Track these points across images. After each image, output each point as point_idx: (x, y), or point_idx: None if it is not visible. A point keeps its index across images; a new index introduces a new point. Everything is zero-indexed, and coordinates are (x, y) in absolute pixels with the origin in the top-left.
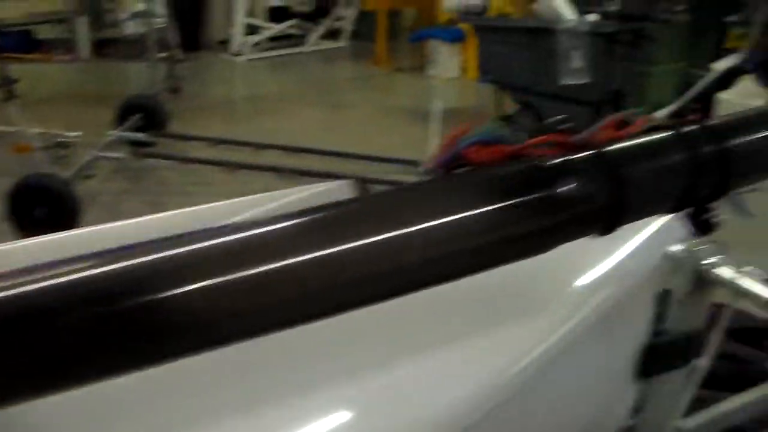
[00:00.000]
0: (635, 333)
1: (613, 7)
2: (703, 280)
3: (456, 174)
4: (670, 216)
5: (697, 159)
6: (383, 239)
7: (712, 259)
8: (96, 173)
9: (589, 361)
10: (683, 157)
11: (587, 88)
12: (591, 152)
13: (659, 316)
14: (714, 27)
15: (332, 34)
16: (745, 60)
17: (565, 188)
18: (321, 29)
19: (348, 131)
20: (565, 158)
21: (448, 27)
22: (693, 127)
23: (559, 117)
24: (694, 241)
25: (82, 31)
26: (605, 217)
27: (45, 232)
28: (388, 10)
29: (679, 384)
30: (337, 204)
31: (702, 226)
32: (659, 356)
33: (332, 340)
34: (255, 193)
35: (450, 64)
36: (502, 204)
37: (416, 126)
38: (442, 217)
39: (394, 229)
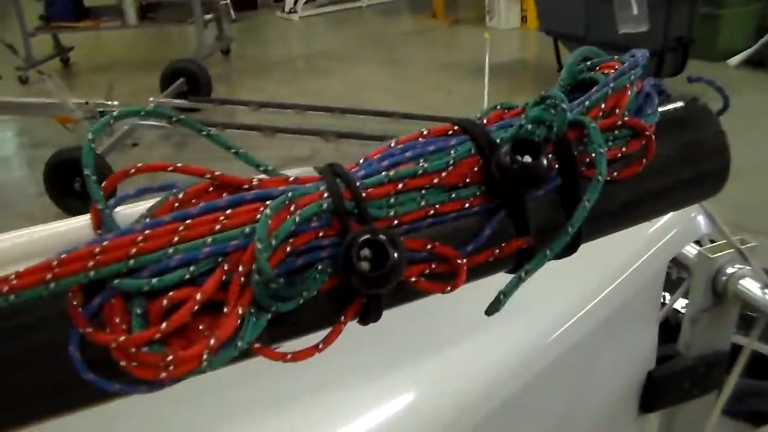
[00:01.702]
0: (636, 357)
1: None
2: (724, 294)
3: None
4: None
5: None
6: None
7: (733, 269)
8: (139, 142)
9: (575, 389)
10: None
11: (648, 36)
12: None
13: (668, 337)
14: None
15: None
16: None
17: None
18: None
19: (404, 89)
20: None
21: None
22: None
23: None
24: (711, 245)
25: None
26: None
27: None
28: None
29: (698, 415)
30: None
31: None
32: (668, 387)
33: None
34: (299, 156)
35: (510, 14)
36: None
37: (473, 82)
38: None
39: None
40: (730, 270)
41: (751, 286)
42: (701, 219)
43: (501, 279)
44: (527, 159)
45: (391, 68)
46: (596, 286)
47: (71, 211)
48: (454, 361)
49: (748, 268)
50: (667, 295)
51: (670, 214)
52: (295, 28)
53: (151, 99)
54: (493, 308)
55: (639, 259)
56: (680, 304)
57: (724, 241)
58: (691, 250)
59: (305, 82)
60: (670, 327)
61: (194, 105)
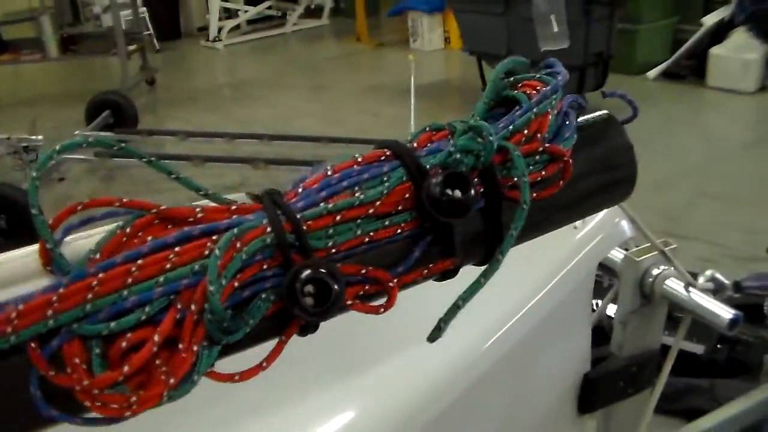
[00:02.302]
0: (571, 360)
1: None
2: (651, 295)
3: None
4: (602, 214)
5: None
6: None
7: (659, 270)
8: (65, 176)
9: (513, 395)
10: None
11: (568, 52)
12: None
13: (601, 339)
14: None
15: (312, 12)
16: (735, 12)
17: None
18: (300, 8)
19: (332, 114)
20: None
21: None
22: None
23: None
24: (637, 249)
25: (48, 29)
26: None
27: (6, 243)
28: None
29: (634, 412)
30: None
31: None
32: (603, 387)
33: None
34: (229, 185)
35: (433, 36)
36: None
37: (400, 103)
38: None
39: None
40: (655, 271)
41: (676, 285)
42: (625, 224)
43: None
44: (457, 193)
45: (318, 93)
46: (528, 292)
47: None
48: (392, 372)
49: (672, 269)
50: (599, 302)
51: (596, 221)
52: (220, 56)
53: (76, 132)
54: (434, 335)
55: (568, 264)
56: (611, 310)
57: (649, 244)
58: (618, 254)
59: (232, 110)
60: (603, 332)
61: (121, 137)
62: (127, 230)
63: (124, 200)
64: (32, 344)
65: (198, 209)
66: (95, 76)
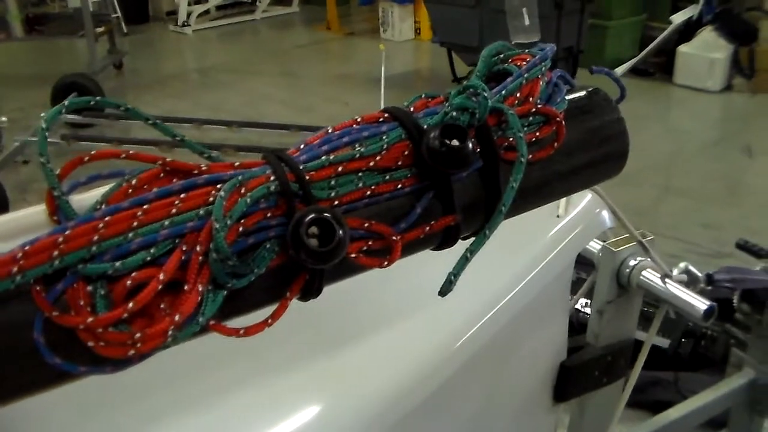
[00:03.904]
0: (549, 349)
1: None
2: (628, 285)
3: None
4: (584, 204)
5: None
6: None
7: (636, 261)
8: (30, 159)
9: (491, 384)
10: None
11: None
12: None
13: (577, 326)
14: None
15: (282, 0)
16: (703, 11)
17: None
18: None
19: (302, 101)
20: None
21: None
22: None
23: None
24: (614, 239)
25: (13, 8)
26: None
27: None
28: None
29: (608, 402)
30: None
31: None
32: (579, 376)
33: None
34: None
35: (403, 26)
36: None
37: (370, 92)
38: None
39: None
40: (632, 262)
41: (652, 277)
42: (606, 214)
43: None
44: (455, 142)
45: (288, 80)
46: (509, 281)
47: None
48: (371, 359)
49: (648, 260)
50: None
51: (577, 210)
52: (189, 41)
53: (42, 114)
54: (445, 288)
55: (549, 254)
56: (580, 303)
57: (626, 235)
58: (595, 245)
59: (201, 95)
60: (572, 326)
61: (88, 120)
62: (133, 182)
63: (131, 152)
64: (37, 287)
65: (203, 164)
66: (61, 58)
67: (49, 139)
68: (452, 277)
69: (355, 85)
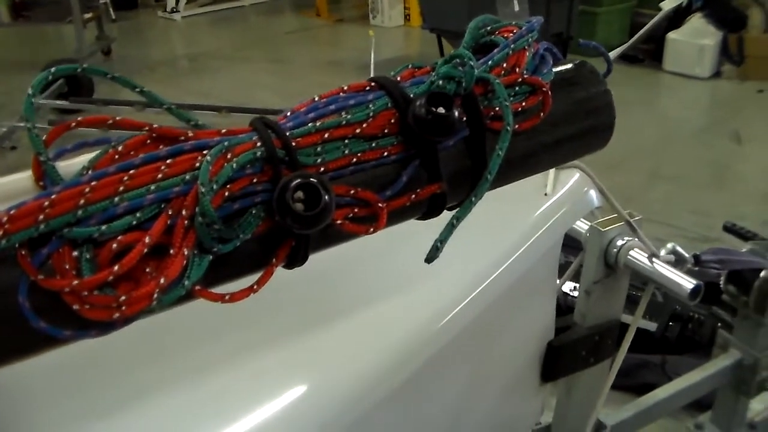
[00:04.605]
0: (536, 328)
1: None
2: (615, 265)
3: None
4: (571, 183)
5: None
6: None
7: (623, 240)
8: (18, 145)
9: (478, 363)
10: None
11: None
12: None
13: (564, 309)
14: None
15: None
16: None
17: None
18: None
19: (291, 88)
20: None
21: None
22: None
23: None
24: (602, 219)
25: None
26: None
27: None
28: None
29: (594, 382)
30: None
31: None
32: (566, 356)
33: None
34: None
35: (393, 12)
36: None
37: (360, 79)
38: None
39: None
40: (620, 242)
41: (639, 256)
42: (593, 193)
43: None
44: (441, 110)
45: (277, 67)
46: (496, 259)
47: None
48: (354, 339)
49: (636, 240)
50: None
51: (565, 188)
52: (178, 28)
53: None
54: (432, 255)
55: (537, 232)
56: (567, 287)
57: (614, 215)
58: (583, 225)
59: (190, 82)
60: (559, 309)
61: (76, 106)
62: (119, 148)
63: (117, 118)
64: (22, 251)
65: (189, 131)
66: (49, 44)
67: (36, 125)
68: (438, 244)
69: (344, 71)
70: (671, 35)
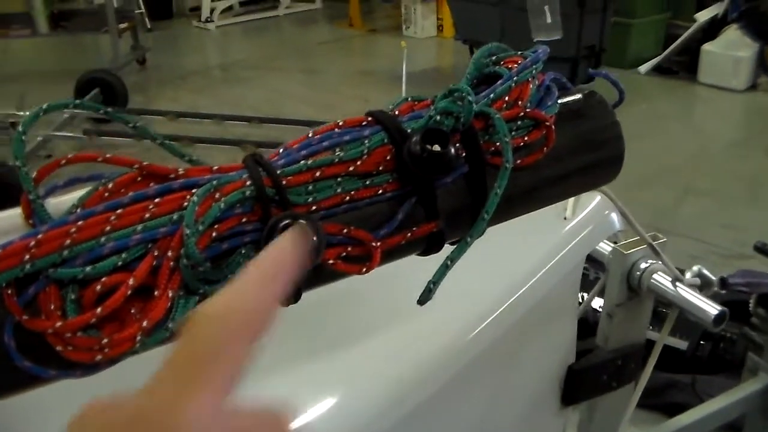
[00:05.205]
0: (557, 351)
1: None
2: (638, 288)
3: None
4: (592, 206)
5: None
6: None
7: (646, 264)
8: (53, 153)
9: (498, 385)
10: None
11: (561, 44)
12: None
13: (593, 325)
14: None
15: None
16: (728, 9)
17: None
18: None
19: (322, 98)
20: None
21: None
22: None
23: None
24: (626, 242)
25: (38, 4)
26: None
27: None
28: None
29: (618, 405)
30: None
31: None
32: (587, 380)
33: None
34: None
35: (426, 23)
36: None
37: (391, 90)
38: None
39: None
40: (643, 265)
41: (663, 280)
42: (615, 216)
43: (419, 274)
44: (436, 148)
45: (309, 77)
46: (517, 281)
47: None
48: (377, 358)
49: (660, 263)
50: (585, 295)
51: (586, 212)
52: (212, 37)
53: (65, 110)
54: (424, 297)
55: (557, 254)
56: (598, 303)
57: (638, 237)
58: (606, 247)
59: (223, 91)
60: (588, 325)
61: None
62: (110, 186)
63: (108, 155)
64: (8, 291)
65: (180, 168)
66: (85, 53)
67: (71, 134)
68: (431, 285)
69: (376, 82)
70: (706, 47)
